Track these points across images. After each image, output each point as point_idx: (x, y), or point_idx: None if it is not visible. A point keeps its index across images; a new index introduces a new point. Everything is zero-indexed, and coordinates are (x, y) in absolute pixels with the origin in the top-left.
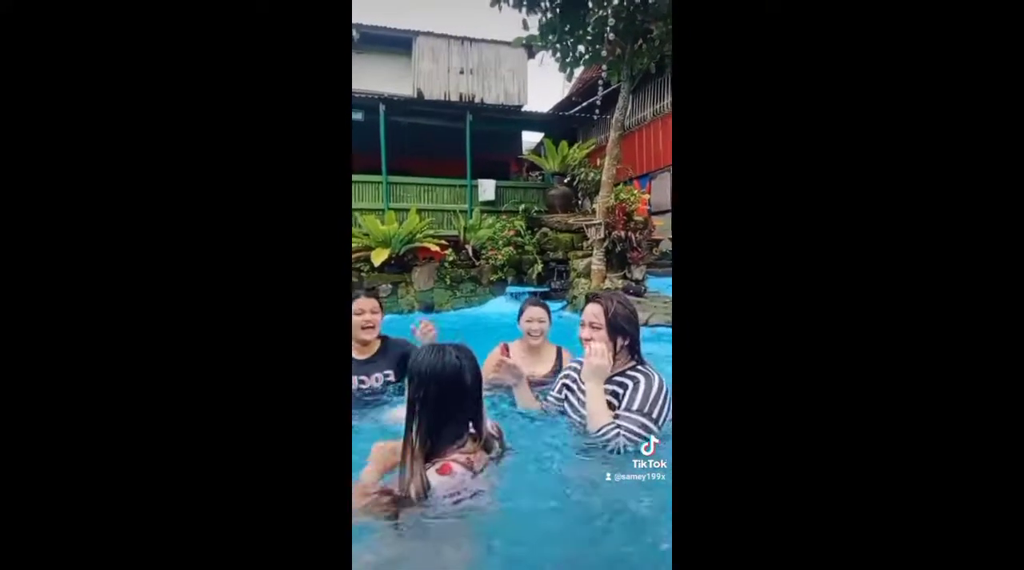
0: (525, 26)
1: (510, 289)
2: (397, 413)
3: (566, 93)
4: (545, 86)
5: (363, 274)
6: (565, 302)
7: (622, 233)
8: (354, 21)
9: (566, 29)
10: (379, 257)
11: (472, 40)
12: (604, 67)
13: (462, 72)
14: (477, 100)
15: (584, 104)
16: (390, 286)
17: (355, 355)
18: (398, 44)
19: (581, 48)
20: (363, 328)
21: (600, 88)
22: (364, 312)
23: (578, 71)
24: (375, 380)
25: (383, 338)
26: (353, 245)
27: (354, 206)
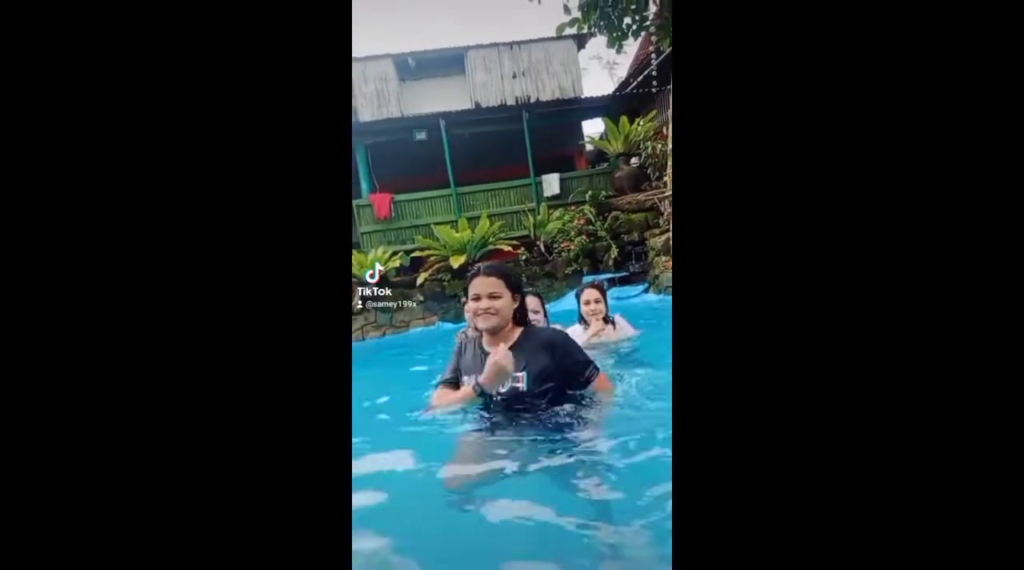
0: (567, 10)
1: (587, 280)
2: None
3: (624, 75)
4: (602, 80)
5: (444, 283)
6: (646, 284)
7: None
8: (407, 50)
9: (608, 3)
10: (457, 262)
11: (520, 43)
12: (653, 35)
13: (515, 76)
14: (532, 100)
15: (640, 78)
16: None
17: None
18: (452, 63)
19: (627, 20)
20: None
21: (653, 58)
22: (481, 297)
23: (627, 45)
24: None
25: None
26: (432, 256)
27: (429, 220)
